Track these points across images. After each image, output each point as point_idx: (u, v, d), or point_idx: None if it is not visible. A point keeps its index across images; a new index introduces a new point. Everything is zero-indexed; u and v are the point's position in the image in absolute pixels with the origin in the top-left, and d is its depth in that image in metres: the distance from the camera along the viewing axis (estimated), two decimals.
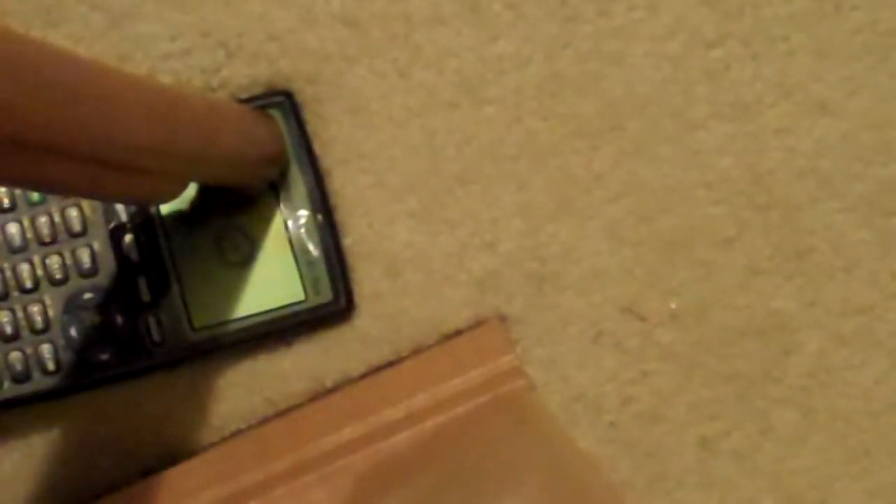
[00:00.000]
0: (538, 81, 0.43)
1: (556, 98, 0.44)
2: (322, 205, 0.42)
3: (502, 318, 0.44)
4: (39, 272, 0.41)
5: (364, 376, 0.44)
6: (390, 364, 0.44)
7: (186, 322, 0.42)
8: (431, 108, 0.43)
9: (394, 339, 0.44)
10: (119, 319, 0.42)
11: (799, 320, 0.45)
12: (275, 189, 0.42)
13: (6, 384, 0.42)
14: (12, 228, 0.42)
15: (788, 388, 0.45)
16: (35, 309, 0.42)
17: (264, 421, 0.44)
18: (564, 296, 0.45)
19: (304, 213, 0.42)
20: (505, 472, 0.41)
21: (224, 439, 0.44)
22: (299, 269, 0.42)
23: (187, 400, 0.45)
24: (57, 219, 0.42)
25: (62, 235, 0.42)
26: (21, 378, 0.42)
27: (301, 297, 0.42)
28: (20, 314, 0.42)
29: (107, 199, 0.40)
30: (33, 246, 0.42)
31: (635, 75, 0.43)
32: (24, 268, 0.41)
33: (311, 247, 0.42)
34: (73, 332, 0.42)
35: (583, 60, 0.43)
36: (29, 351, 0.42)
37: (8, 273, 0.42)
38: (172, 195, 0.37)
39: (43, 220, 0.42)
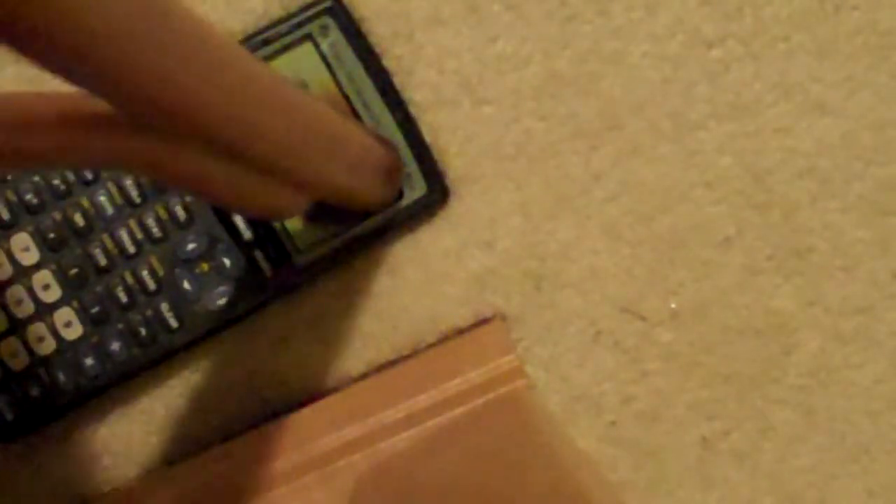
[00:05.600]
0: (537, 81, 0.43)
1: (556, 98, 0.44)
2: (397, 101, 0.42)
3: (503, 318, 0.44)
4: (139, 235, 0.41)
5: (364, 376, 0.44)
6: (390, 364, 0.44)
7: (292, 248, 0.42)
8: (434, 107, 0.43)
9: (394, 339, 0.44)
10: (227, 262, 0.42)
11: (798, 320, 0.45)
12: (348, 100, 0.41)
13: (134, 350, 0.42)
14: (101, 198, 0.41)
15: (788, 388, 0.45)
16: (144, 272, 0.41)
17: (264, 422, 0.44)
18: (563, 295, 0.44)
19: (381, 114, 0.41)
20: (505, 472, 0.40)
21: (222, 440, 0.44)
22: None
23: (186, 401, 0.45)
24: (142, 178, 0.41)
25: (151, 194, 0.41)
26: (147, 342, 0.42)
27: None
28: (130, 280, 0.41)
29: (240, 206, 0.40)
30: (126, 210, 0.41)
31: (635, 75, 0.43)
32: (124, 234, 0.41)
33: (395, 144, 0.41)
34: (185, 285, 0.41)
35: (582, 60, 0.43)
36: (149, 314, 0.42)
37: (109, 243, 0.41)
38: (297, 209, 0.36)
39: (129, 182, 0.41)
